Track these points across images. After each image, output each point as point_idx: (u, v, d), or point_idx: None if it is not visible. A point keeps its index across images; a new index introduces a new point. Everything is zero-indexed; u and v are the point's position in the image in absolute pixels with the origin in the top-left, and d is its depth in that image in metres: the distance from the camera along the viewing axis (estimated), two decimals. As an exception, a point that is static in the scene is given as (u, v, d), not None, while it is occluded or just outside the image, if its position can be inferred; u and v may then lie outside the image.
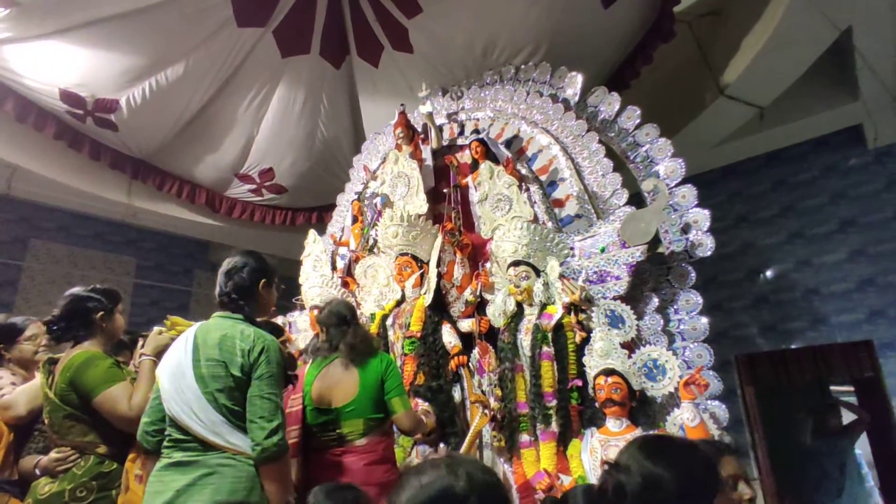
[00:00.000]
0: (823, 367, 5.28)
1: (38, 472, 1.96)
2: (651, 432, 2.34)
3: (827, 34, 4.28)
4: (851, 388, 5.70)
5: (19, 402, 2.15)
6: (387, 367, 2.21)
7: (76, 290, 2.14)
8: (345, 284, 3.88)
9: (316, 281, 3.85)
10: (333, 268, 4.10)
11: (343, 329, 2.30)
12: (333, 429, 2.13)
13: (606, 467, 1.06)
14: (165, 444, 1.75)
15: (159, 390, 1.79)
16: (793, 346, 5.43)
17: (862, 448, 5.87)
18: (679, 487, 1.00)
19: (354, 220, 4.20)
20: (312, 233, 4.20)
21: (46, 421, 2.01)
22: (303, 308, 4.09)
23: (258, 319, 3.03)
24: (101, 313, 2.11)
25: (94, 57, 4.38)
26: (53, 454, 1.95)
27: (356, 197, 4.39)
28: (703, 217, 2.92)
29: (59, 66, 4.41)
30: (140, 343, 2.44)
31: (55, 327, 2.06)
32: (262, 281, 1.94)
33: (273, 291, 2.00)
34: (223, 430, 1.70)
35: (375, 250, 3.77)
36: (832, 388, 6.12)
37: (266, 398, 1.72)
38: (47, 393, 1.97)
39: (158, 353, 2.00)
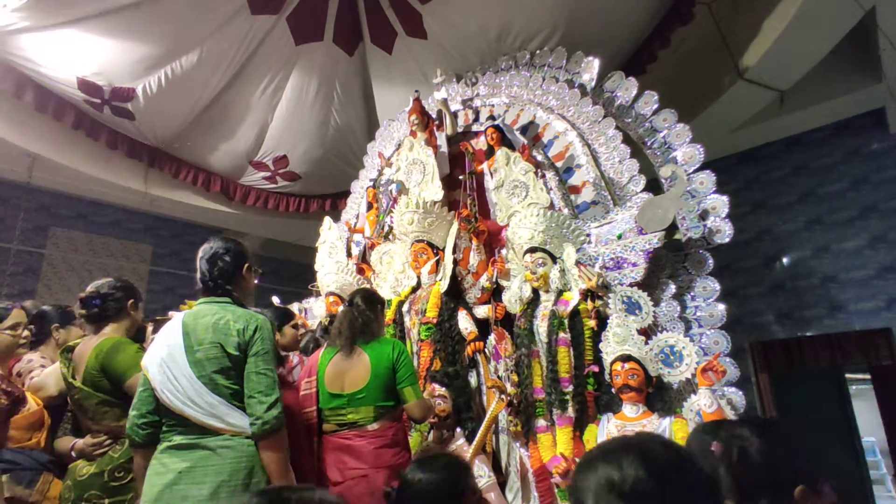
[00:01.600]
0: (839, 355, 5.23)
1: (74, 454, 2.03)
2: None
3: (851, 14, 4.17)
4: (868, 376, 5.65)
5: (49, 383, 2.25)
6: (398, 356, 2.22)
7: (110, 278, 2.24)
8: (360, 271, 3.90)
9: (331, 268, 3.89)
10: (349, 254, 4.13)
11: (346, 314, 2.32)
12: (345, 413, 2.17)
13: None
14: (164, 428, 1.78)
15: (147, 382, 1.79)
16: (808, 334, 5.38)
17: (876, 436, 5.82)
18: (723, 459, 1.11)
19: (369, 206, 4.21)
20: (328, 220, 4.23)
21: (76, 407, 2.07)
22: (318, 294, 4.13)
23: (276, 306, 3.09)
24: (131, 301, 2.21)
25: (110, 45, 4.41)
26: (89, 438, 2.02)
27: (371, 184, 4.39)
28: (721, 203, 2.88)
29: (76, 55, 4.46)
30: (150, 328, 2.50)
31: (94, 301, 2.12)
32: (245, 265, 1.99)
33: (252, 275, 2.04)
34: (221, 412, 1.73)
35: (391, 237, 3.79)
36: (848, 375, 6.07)
37: (263, 374, 1.77)
38: (72, 382, 2.03)
39: None
